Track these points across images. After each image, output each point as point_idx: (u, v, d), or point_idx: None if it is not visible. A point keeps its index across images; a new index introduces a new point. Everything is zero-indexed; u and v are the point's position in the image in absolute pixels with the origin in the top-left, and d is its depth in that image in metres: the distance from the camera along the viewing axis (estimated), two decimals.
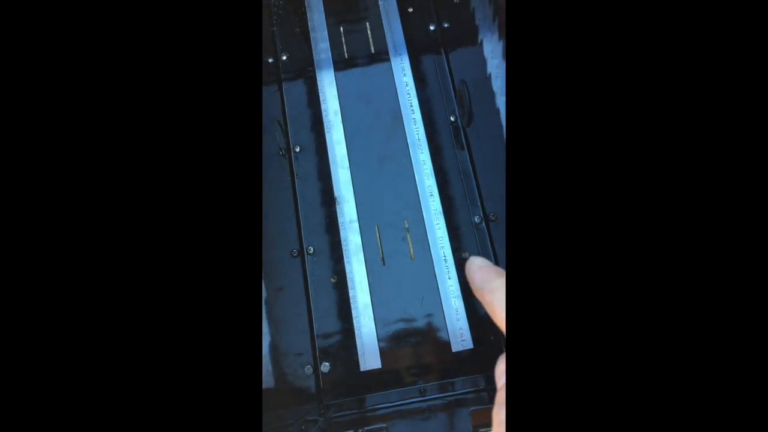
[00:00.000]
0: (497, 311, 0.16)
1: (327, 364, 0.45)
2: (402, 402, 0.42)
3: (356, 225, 0.49)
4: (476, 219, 0.48)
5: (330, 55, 0.55)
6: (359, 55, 0.55)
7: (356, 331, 0.45)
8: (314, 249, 0.48)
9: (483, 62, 0.45)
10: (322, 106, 0.53)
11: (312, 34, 0.56)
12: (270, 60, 0.55)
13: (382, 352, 0.45)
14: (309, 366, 0.45)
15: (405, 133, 0.51)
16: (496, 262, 0.46)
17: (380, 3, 0.57)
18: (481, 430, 0.39)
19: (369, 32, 0.56)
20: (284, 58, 0.55)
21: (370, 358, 0.45)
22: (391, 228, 0.49)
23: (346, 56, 0.55)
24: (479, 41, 0.46)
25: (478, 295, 0.17)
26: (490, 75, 0.44)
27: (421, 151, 0.51)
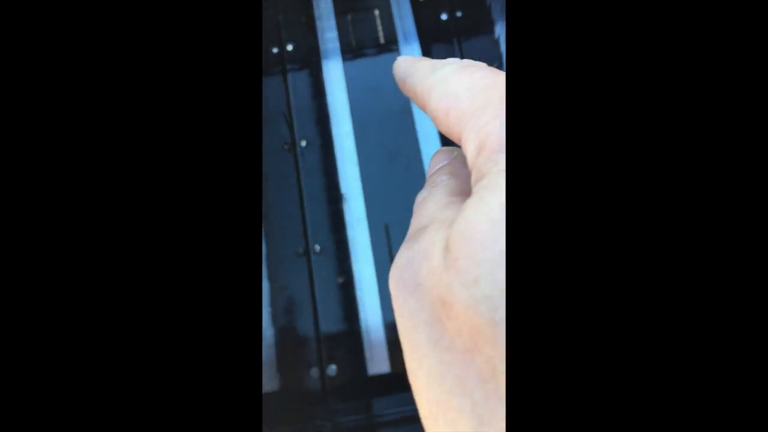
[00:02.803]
0: (418, 91, 0.14)
1: (334, 367, 0.44)
2: (412, 407, 0.41)
3: (364, 223, 0.47)
4: None
5: (337, 44, 0.53)
6: (368, 45, 0.53)
7: (364, 334, 0.44)
8: (320, 248, 0.47)
9: (499, 55, 0.43)
10: (329, 99, 0.51)
11: (318, 23, 0.54)
12: (274, 50, 0.53)
13: (392, 356, 0.43)
14: (315, 369, 0.44)
15: (416, 127, 0.50)
16: None
17: None
18: None
19: (378, 21, 0.54)
20: (289, 47, 0.53)
21: (378, 361, 0.43)
22: (400, 227, 0.47)
23: (354, 46, 0.53)
24: (494, 32, 0.44)
25: (404, 90, 0.16)
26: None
27: (432, 146, 0.49)
